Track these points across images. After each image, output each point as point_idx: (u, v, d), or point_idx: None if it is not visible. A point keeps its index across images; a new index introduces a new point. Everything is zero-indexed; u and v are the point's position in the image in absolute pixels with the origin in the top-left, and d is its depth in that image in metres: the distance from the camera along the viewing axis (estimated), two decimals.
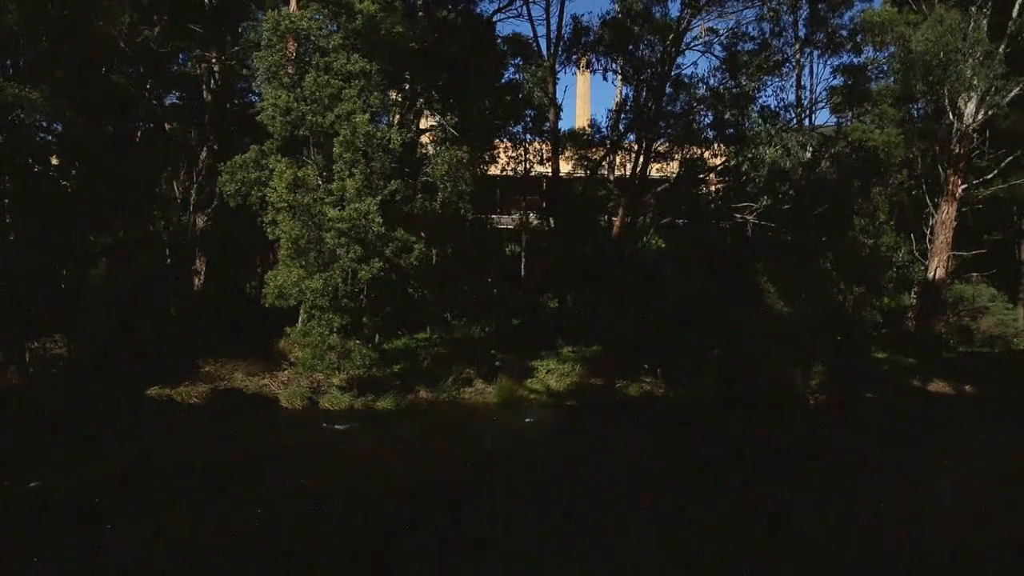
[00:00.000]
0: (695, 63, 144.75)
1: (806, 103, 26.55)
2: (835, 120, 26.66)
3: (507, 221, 26.62)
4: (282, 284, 15.37)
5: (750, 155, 21.56)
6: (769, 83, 23.81)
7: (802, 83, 26.38)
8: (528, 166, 25.59)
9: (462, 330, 19.15)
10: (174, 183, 20.46)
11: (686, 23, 22.96)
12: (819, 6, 24.61)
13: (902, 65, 22.70)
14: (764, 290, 21.36)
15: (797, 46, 25.52)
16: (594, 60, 24.39)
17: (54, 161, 18.04)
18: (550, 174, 24.74)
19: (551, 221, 24.74)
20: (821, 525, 9.83)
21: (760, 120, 22.08)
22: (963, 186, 23.71)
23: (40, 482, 10.37)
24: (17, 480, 10.46)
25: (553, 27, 23.98)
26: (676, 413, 17.52)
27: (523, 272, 25.29)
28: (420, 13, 18.33)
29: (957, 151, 23.28)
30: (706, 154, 23.85)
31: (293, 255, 15.51)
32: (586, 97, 44.35)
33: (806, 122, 26.41)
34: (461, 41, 19.27)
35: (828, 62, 26.43)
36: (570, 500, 10.76)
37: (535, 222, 25.49)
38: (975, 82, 21.84)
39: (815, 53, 26.19)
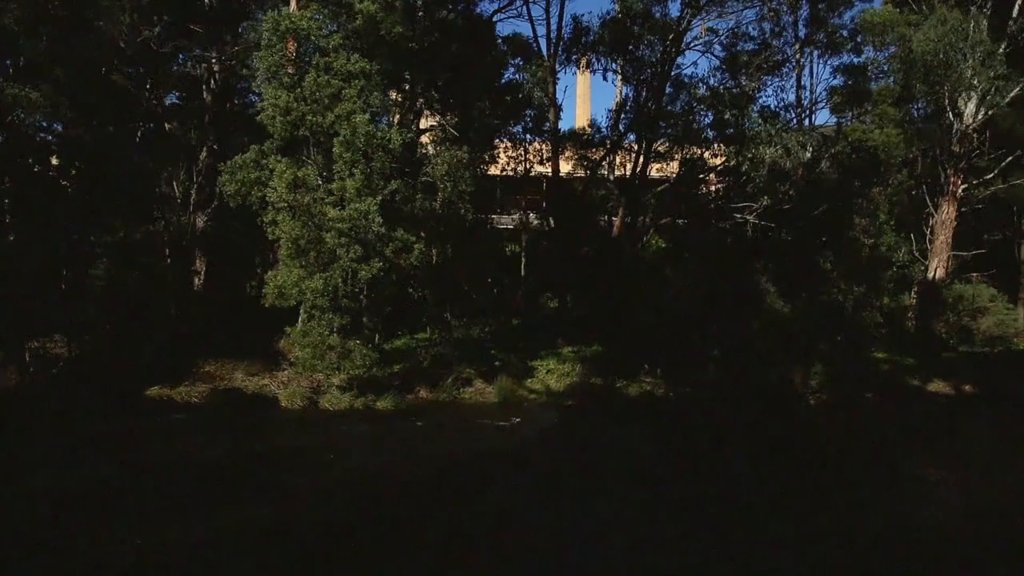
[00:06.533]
0: (695, 63, 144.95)
1: (806, 103, 26.61)
2: (835, 120, 26.70)
3: (507, 221, 26.61)
4: (282, 284, 15.37)
5: (750, 155, 21.56)
6: (769, 83, 23.91)
7: (802, 83, 26.46)
8: (528, 166, 25.59)
9: (462, 330, 19.14)
10: (174, 183, 20.45)
11: (686, 23, 22.98)
12: (819, 6, 24.65)
13: (902, 65, 22.68)
14: (764, 290, 21.38)
15: (797, 46, 25.54)
16: (594, 60, 24.41)
17: (54, 161, 18.03)
18: (550, 174, 24.75)
19: (551, 221, 24.74)
20: (830, 529, 9.82)
21: (760, 120, 22.07)
22: (963, 186, 23.70)
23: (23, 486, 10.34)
24: (8, 482, 10.47)
25: (553, 27, 24.05)
26: (676, 413, 17.51)
27: (523, 272, 25.28)
28: (420, 13, 18.32)
29: (957, 151, 23.26)
30: (706, 154, 23.84)
31: (293, 255, 15.51)
32: (586, 97, 44.42)
33: (806, 122, 26.45)
34: (461, 41, 19.26)
35: (828, 62, 26.54)
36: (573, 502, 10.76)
37: (535, 222, 25.49)
38: (975, 82, 21.83)
39: (815, 53, 26.26)
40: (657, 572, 8.22)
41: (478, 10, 21.49)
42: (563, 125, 25.54)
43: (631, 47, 23.29)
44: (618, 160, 25.22)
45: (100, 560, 7.99)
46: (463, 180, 18.11)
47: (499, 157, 24.25)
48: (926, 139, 24.58)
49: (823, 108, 32.08)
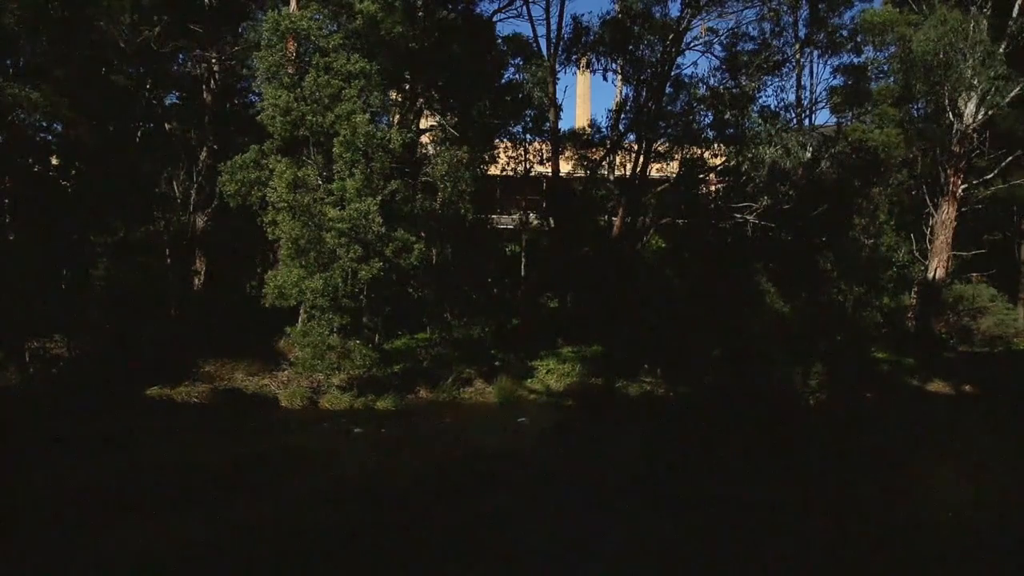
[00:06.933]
0: (695, 63, 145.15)
1: (806, 103, 26.60)
2: (835, 120, 26.70)
3: (507, 221, 26.60)
4: (282, 284, 15.38)
5: (750, 155, 21.56)
6: (769, 83, 23.85)
7: (802, 83, 26.44)
8: (528, 166, 25.57)
9: (462, 330, 19.15)
10: (174, 183, 20.45)
11: (686, 23, 22.97)
12: (819, 6, 24.64)
13: (902, 65, 22.69)
14: (764, 290, 21.37)
15: (797, 46, 25.53)
16: (594, 60, 24.38)
17: (54, 161, 18.05)
18: (550, 174, 24.72)
19: (551, 221, 24.73)
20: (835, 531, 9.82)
21: (760, 120, 22.08)
22: (963, 186, 23.70)
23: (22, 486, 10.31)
24: (8, 482, 10.44)
25: (553, 27, 23.98)
26: (676, 413, 17.50)
27: (523, 272, 25.28)
28: (420, 13, 18.32)
29: (957, 151, 23.27)
30: (706, 154, 23.83)
31: (293, 255, 15.52)
32: (586, 97, 44.44)
33: (806, 122, 26.45)
34: (461, 41, 19.26)
35: (828, 62, 26.55)
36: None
37: (535, 222, 25.48)
38: (975, 82, 21.85)
39: (815, 53, 26.25)
40: (657, 572, 8.22)
41: (478, 10, 21.49)
42: (563, 125, 25.56)
43: (631, 47, 23.28)
44: (618, 160, 25.21)
45: (100, 560, 7.99)
46: (463, 180, 18.12)
47: (499, 157, 24.22)
48: (926, 139, 24.58)
49: (823, 108, 32.12)
